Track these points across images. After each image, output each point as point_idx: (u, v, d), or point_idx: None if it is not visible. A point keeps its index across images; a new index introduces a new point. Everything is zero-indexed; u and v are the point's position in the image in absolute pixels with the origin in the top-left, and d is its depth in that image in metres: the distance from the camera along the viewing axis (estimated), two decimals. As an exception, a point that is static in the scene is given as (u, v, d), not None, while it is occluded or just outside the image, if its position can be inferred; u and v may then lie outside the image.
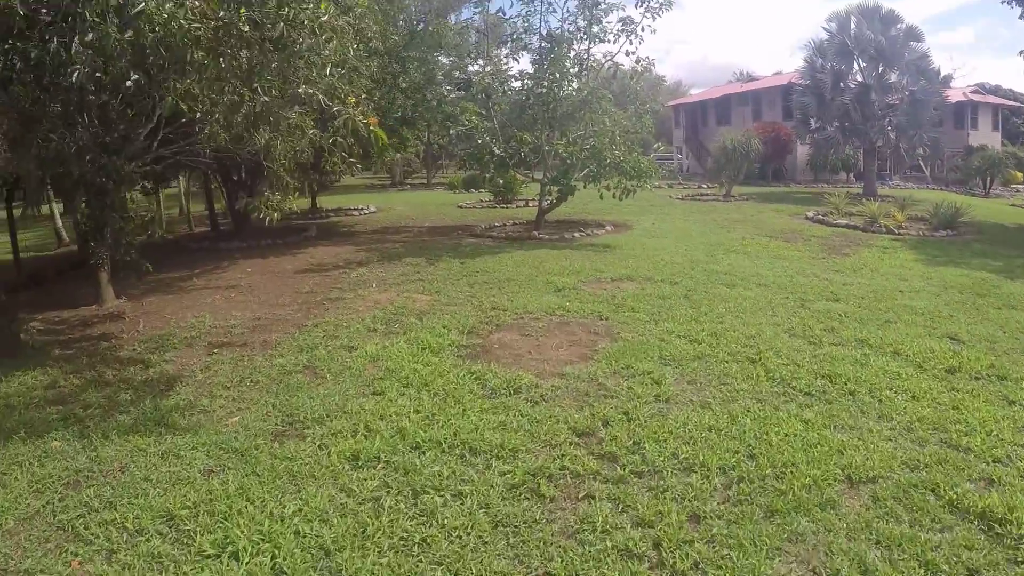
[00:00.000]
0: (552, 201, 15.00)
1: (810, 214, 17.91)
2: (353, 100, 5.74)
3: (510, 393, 5.55)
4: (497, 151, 13.99)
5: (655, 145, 42.11)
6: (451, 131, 14.93)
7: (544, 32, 14.25)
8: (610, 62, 14.65)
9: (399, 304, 8.56)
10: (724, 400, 5.38)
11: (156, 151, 8.49)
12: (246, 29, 5.48)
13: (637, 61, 14.49)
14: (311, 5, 5.77)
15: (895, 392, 5.59)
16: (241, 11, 5.58)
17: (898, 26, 24.10)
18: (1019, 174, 33.97)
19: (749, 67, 57.24)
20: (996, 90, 48.25)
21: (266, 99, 5.66)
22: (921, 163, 31.37)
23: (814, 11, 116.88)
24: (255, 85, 5.67)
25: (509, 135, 14.82)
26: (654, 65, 14.44)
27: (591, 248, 12.62)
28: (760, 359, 6.24)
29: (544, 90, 13.45)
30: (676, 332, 7.04)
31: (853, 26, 24.29)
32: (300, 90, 5.61)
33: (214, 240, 15.79)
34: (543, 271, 10.31)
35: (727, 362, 6.18)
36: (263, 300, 9.24)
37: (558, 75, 13.59)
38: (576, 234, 14.27)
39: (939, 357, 6.45)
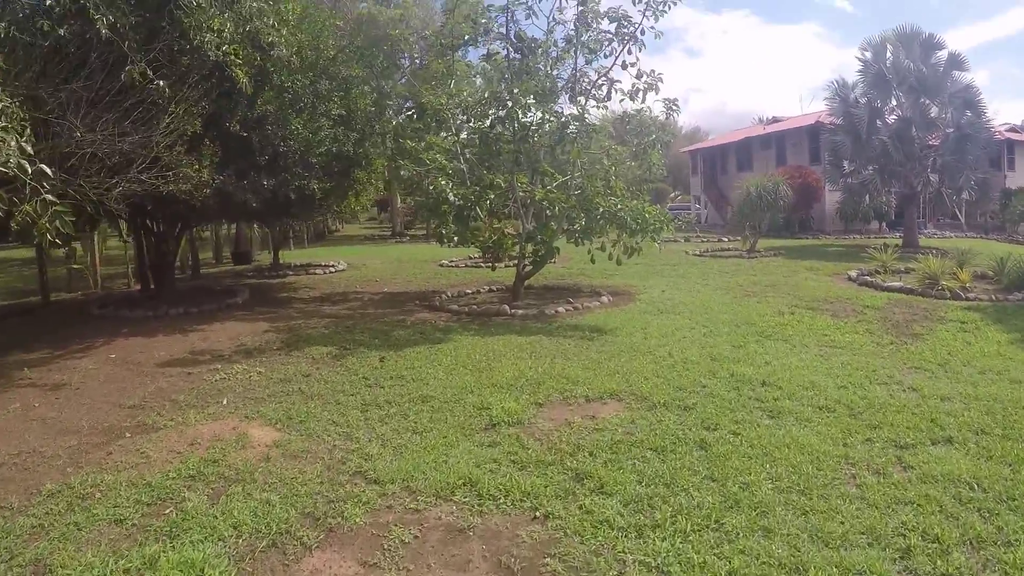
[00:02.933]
0: (526, 265, 11.43)
1: (853, 274, 14.32)
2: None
3: None
4: (452, 198, 10.45)
5: (672, 194, 38.71)
6: (402, 172, 11.48)
7: (513, 35, 10.61)
8: (603, 79, 10.91)
9: (217, 452, 5.06)
10: None
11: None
12: None
13: (638, 75, 10.57)
14: None
15: None
16: None
17: (939, 53, 20.78)
18: (1066, 218, 30.04)
19: (768, 113, 53.95)
20: (1024, 129, 44.67)
21: None
22: (956, 209, 27.61)
23: (830, 58, 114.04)
24: None
25: (478, 177, 11.34)
26: (661, 81, 10.62)
27: (574, 333, 8.92)
28: None
29: (503, 113, 9.92)
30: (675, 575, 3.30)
31: (890, 54, 20.97)
32: None
33: (119, 305, 12.64)
34: (487, 380, 6.67)
35: None
36: (64, 418, 6.26)
37: (532, 95, 10.11)
38: (560, 309, 10.58)
39: None
